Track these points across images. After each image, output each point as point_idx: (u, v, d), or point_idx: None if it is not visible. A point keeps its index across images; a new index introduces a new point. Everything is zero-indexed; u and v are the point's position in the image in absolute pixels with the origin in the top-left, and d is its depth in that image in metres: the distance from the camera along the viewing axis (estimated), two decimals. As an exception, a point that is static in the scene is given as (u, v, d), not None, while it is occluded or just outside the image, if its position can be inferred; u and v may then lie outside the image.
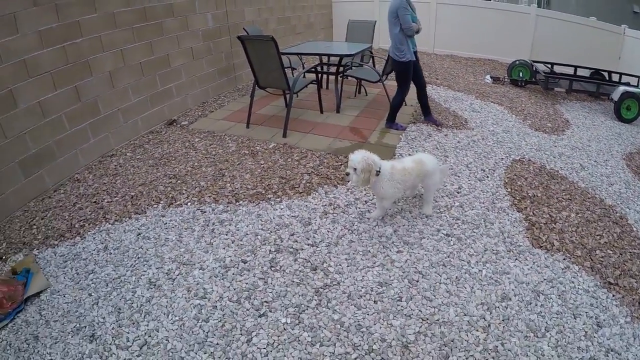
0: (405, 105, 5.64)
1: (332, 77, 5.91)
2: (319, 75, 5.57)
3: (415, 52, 4.52)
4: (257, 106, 5.39)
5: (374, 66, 6.15)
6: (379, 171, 2.87)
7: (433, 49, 9.71)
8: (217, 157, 3.92)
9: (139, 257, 2.85)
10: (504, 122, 5.38)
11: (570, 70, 7.47)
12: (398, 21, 4.24)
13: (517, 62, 7.56)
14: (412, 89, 4.74)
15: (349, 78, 5.94)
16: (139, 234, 3.09)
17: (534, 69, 7.37)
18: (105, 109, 4.42)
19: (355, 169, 2.83)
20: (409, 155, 3.96)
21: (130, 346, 2.24)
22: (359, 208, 3.33)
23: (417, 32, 4.43)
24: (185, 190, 3.49)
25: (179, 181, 3.66)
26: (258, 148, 4.07)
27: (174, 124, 5.09)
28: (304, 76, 5.11)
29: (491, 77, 7.74)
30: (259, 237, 2.99)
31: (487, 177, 3.88)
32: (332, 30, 10.45)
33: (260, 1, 7.18)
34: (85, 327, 2.43)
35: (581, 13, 9.45)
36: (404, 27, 4.25)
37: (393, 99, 4.81)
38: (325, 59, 5.89)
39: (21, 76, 3.76)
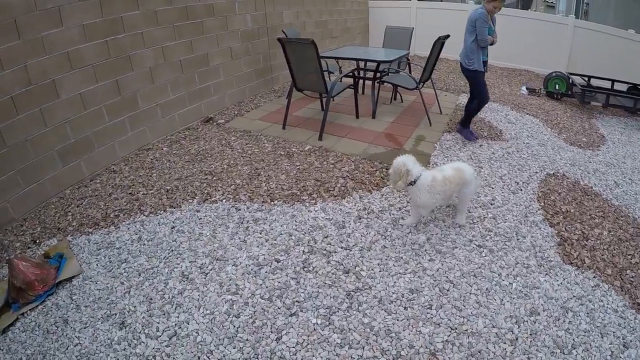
0: (441, 114, 5.61)
1: (368, 83, 5.92)
2: (356, 80, 5.60)
3: (484, 62, 4.53)
4: (294, 108, 5.45)
5: (411, 73, 6.13)
6: (414, 182, 2.86)
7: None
8: (252, 156, 3.97)
9: (172, 250, 2.92)
10: (539, 134, 5.28)
11: (608, 84, 7.27)
12: (475, 31, 4.29)
13: (554, 74, 7.41)
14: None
15: (386, 84, 5.94)
16: (174, 227, 3.16)
17: (571, 81, 7.20)
18: (144, 104, 4.54)
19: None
20: (443, 164, 3.93)
21: (160, 336, 2.30)
22: (393, 214, 3.33)
23: (492, 44, 4.47)
24: (221, 187, 3.55)
25: (214, 178, 3.72)
26: (294, 150, 4.11)
27: (211, 121, 5.18)
28: (341, 80, 5.13)
29: (527, 89, 7.61)
30: (292, 237, 3.01)
31: (521, 190, 3.82)
32: (369, 35, 10.47)
33: (298, 4, 7.26)
34: (116, 314, 2.50)
35: (620, 25, 9.16)
36: (479, 39, 4.30)
37: (467, 105, 4.88)
38: (362, 64, 5.89)
39: (64, 68, 3.90)
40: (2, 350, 2.58)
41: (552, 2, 24.23)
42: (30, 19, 3.62)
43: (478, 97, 4.66)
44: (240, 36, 5.86)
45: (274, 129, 4.73)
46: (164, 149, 4.53)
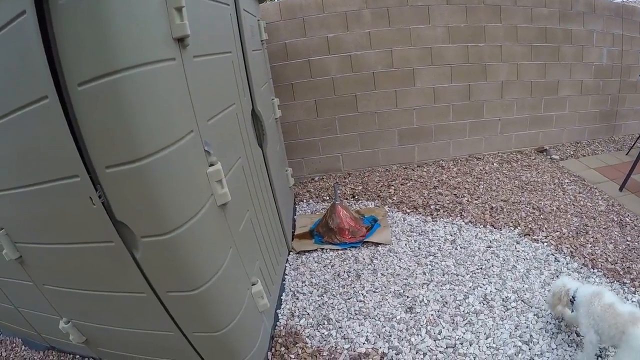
0: None
1: None
2: None
3: None
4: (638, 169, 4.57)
5: None
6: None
7: None
8: (584, 209, 3.57)
9: (482, 268, 2.89)
10: None
11: None
12: None
13: None
14: None
15: None
16: (489, 247, 3.12)
17: None
18: (488, 115, 4.62)
19: None
20: None
21: (439, 340, 2.31)
22: None
23: None
24: (546, 228, 3.32)
25: (541, 216, 3.50)
26: (628, 220, 3.51)
27: (545, 153, 4.91)
28: None
29: None
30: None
31: None
32: None
33: None
34: (408, 297, 2.63)
35: None
36: None
37: None
38: None
39: (425, 61, 4.27)
40: (291, 265, 3.11)
41: None
42: (401, 11, 4.10)
43: None
44: (593, 70, 5.26)
45: (609, 186, 4.12)
46: (494, 164, 4.52)
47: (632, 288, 2.65)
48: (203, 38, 1.77)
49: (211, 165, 1.72)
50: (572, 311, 2.23)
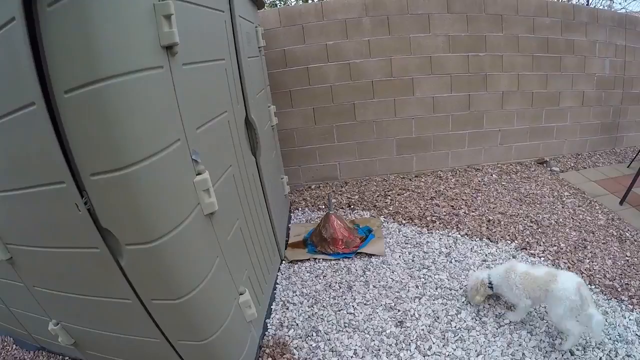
0: None
1: None
2: None
3: None
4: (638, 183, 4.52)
5: None
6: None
7: None
8: (582, 223, 3.53)
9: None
10: None
11: None
12: None
13: None
14: None
15: None
16: (484, 261, 3.07)
17: None
18: (487, 125, 4.60)
19: None
20: None
21: (429, 356, 2.25)
22: None
23: None
24: (543, 242, 3.26)
25: (539, 229, 3.45)
26: (627, 234, 3.47)
27: (544, 164, 4.89)
28: None
29: None
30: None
31: None
32: None
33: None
34: (399, 311, 2.58)
35: None
36: None
37: None
38: None
39: (424, 69, 4.26)
40: (283, 274, 3.08)
41: None
42: (401, 20, 4.11)
43: None
44: (595, 82, 5.23)
45: (609, 200, 4.07)
46: (493, 175, 4.49)
47: (629, 305, 2.59)
48: (194, 45, 1.76)
49: (199, 174, 1.70)
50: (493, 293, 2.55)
